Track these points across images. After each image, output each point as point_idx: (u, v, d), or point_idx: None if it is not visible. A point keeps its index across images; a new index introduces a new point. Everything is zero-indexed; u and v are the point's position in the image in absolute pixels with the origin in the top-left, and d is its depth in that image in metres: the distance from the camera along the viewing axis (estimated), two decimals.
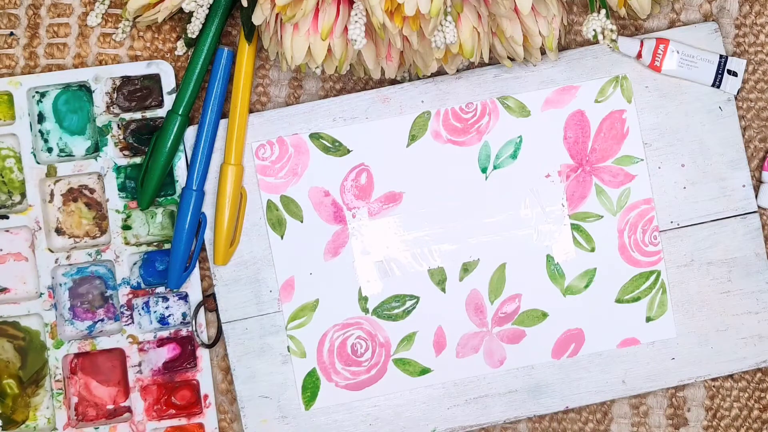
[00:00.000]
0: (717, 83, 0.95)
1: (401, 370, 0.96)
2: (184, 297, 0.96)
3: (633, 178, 0.96)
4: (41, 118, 0.96)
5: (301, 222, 0.95)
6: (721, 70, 0.95)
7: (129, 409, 0.97)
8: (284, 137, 0.95)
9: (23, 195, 0.97)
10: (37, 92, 0.96)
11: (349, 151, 0.96)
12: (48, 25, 0.97)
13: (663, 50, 0.95)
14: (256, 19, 0.86)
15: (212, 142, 0.95)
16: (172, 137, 0.94)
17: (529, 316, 0.96)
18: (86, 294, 0.97)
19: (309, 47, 0.86)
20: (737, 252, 0.96)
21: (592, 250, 0.96)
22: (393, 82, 0.97)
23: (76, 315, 0.97)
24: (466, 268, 0.96)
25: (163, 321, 0.96)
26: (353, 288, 0.96)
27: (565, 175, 0.96)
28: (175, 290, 0.96)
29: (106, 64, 0.97)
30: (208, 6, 0.92)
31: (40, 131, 0.96)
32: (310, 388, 0.96)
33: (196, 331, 0.96)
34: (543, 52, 0.94)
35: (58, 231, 0.97)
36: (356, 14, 0.83)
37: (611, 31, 0.87)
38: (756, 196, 0.97)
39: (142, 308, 0.96)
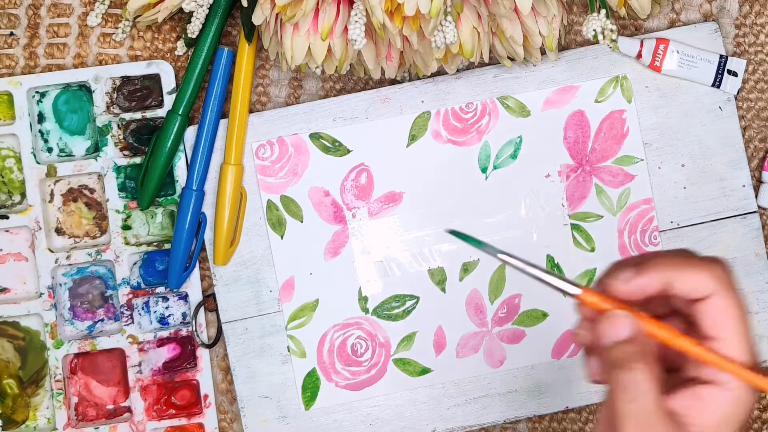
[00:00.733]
0: (717, 83, 0.95)
1: (401, 370, 0.96)
2: (184, 297, 0.96)
3: (633, 178, 0.96)
4: (41, 118, 0.96)
5: (301, 222, 0.95)
6: (721, 70, 0.95)
7: (129, 409, 0.97)
8: (284, 137, 0.95)
9: (23, 195, 0.97)
10: (37, 92, 0.96)
11: (349, 151, 0.96)
12: (48, 25, 0.97)
13: (663, 50, 0.95)
14: (256, 19, 0.86)
15: (212, 142, 0.95)
16: (172, 137, 0.94)
17: (529, 316, 0.96)
18: (86, 294, 0.97)
19: (309, 47, 0.86)
20: (737, 252, 0.96)
21: (592, 250, 0.96)
22: (393, 82, 0.97)
23: (76, 315, 0.97)
24: (466, 268, 0.96)
25: (163, 321, 0.96)
26: (353, 288, 0.96)
27: (565, 175, 0.96)
28: (175, 290, 0.96)
29: (106, 64, 0.97)
30: (208, 6, 0.92)
31: (40, 131, 0.96)
32: (310, 388, 0.96)
33: (196, 331, 0.96)
34: (543, 52, 0.94)
35: (58, 231, 0.97)
36: (356, 14, 0.83)
37: (611, 31, 0.87)
38: (756, 196, 0.97)
39: (142, 308, 0.96)
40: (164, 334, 0.96)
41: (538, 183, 0.96)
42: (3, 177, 0.97)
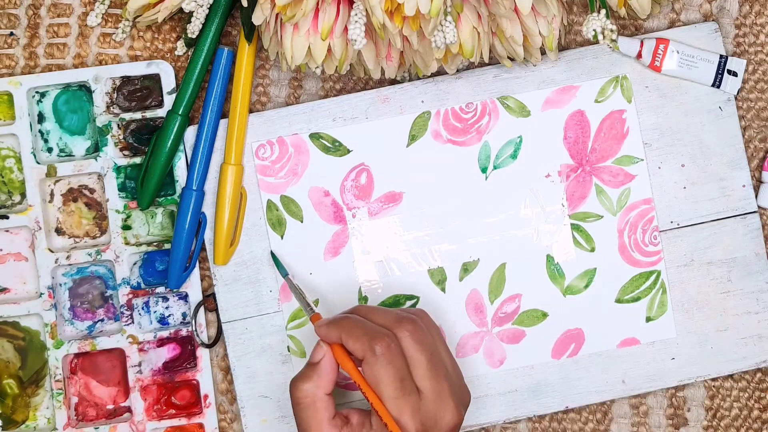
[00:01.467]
0: (717, 83, 0.95)
1: None
2: (184, 297, 0.96)
3: (633, 178, 0.96)
4: (41, 118, 0.96)
5: (301, 222, 0.95)
6: (721, 70, 0.95)
7: (129, 409, 0.97)
8: (284, 137, 0.95)
9: (23, 195, 0.97)
10: (37, 92, 0.96)
11: (349, 151, 0.96)
12: (48, 25, 0.97)
13: (663, 50, 0.95)
14: (256, 19, 0.86)
15: (212, 142, 0.95)
16: (172, 137, 0.94)
17: (529, 316, 0.96)
18: (86, 294, 0.97)
19: (309, 47, 0.86)
20: (737, 252, 0.96)
21: (592, 250, 0.96)
22: (393, 82, 0.97)
23: (76, 315, 0.97)
24: (466, 268, 0.96)
25: (163, 321, 0.96)
26: (353, 288, 0.96)
27: (565, 175, 0.96)
28: (175, 290, 0.96)
29: (106, 64, 0.97)
30: (208, 6, 0.92)
31: (40, 131, 0.96)
32: None
33: (196, 331, 0.96)
34: (543, 52, 0.94)
35: (58, 231, 0.97)
36: (356, 14, 0.83)
37: (611, 31, 0.87)
38: (756, 196, 0.97)
39: (142, 308, 0.96)
40: (164, 334, 0.96)
41: (538, 183, 0.96)
42: (3, 177, 0.97)
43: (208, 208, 0.95)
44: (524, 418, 0.97)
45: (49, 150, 0.97)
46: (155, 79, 0.96)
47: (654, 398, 0.97)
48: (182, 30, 0.97)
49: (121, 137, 0.96)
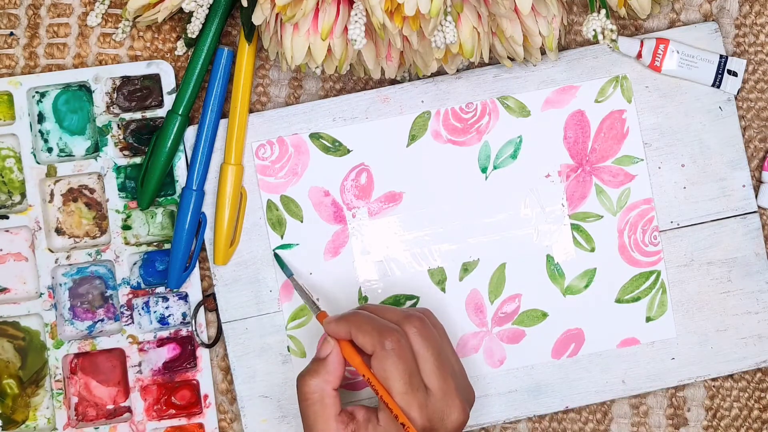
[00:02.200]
0: (717, 83, 0.95)
1: None
2: (184, 297, 0.96)
3: (633, 178, 0.96)
4: (41, 118, 0.96)
5: (301, 222, 0.95)
6: (721, 70, 0.95)
7: (129, 409, 0.97)
8: (284, 137, 0.95)
9: (23, 195, 0.97)
10: (37, 92, 0.96)
11: (349, 151, 0.96)
12: (48, 25, 0.97)
13: (663, 50, 0.95)
14: (256, 19, 0.86)
15: (212, 142, 0.95)
16: (172, 137, 0.94)
17: (529, 316, 0.96)
18: (86, 294, 0.97)
19: (309, 47, 0.86)
20: (737, 252, 0.96)
21: (592, 250, 0.96)
22: (393, 82, 0.97)
23: (76, 315, 0.97)
24: (466, 268, 0.96)
25: (163, 321, 0.96)
26: (353, 288, 0.96)
27: (565, 175, 0.96)
28: (175, 290, 0.96)
29: (106, 64, 0.97)
30: (208, 6, 0.92)
31: (40, 131, 0.96)
32: None
33: (196, 331, 0.96)
34: (543, 52, 0.94)
35: (58, 231, 0.97)
36: (356, 14, 0.83)
37: (611, 31, 0.87)
38: (756, 196, 0.97)
39: (142, 308, 0.96)
40: (164, 334, 0.96)
41: (538, 183, 0.96)
42: (3, 177, 0.97)
43: (208, 208, 0.95)
44: (524, 418, 0.97)
45: (49, 150, 0.97)
46: (155, 79, 0.96)
47: (654, 398, 0.97)
48: (182, 30, 0.97)
49: (121, 137, 0.96)
